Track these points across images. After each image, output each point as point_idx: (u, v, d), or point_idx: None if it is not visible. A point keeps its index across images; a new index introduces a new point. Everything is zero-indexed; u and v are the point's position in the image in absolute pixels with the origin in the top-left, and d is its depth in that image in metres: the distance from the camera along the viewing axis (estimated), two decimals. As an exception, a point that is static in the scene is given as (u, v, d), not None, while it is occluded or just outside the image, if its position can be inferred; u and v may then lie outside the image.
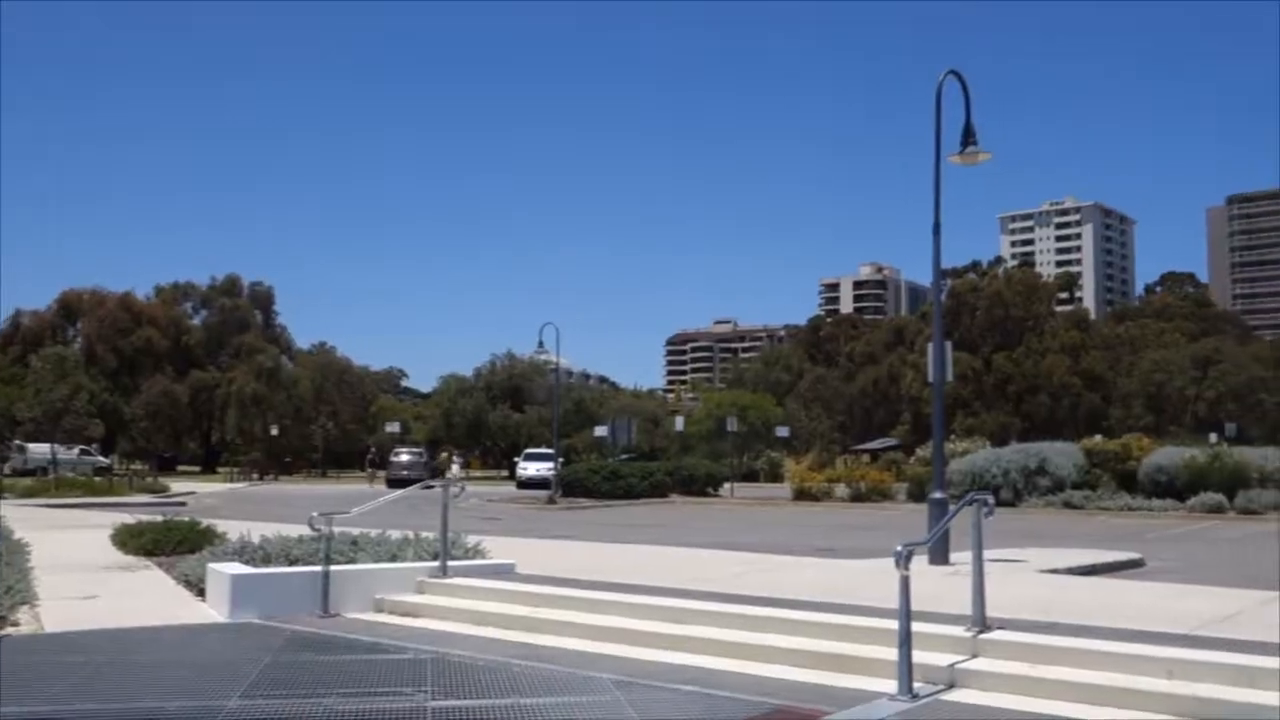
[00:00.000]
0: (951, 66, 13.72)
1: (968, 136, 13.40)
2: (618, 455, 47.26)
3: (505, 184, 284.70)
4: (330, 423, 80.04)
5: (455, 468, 55.70)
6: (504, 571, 11.86)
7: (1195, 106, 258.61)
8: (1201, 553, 18.59)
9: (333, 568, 10.86)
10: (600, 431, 51.20)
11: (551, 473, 40.60)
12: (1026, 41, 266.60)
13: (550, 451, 44.60)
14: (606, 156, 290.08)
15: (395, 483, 45.27)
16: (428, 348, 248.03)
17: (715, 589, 10.58)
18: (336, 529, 11.32)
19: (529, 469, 50.41)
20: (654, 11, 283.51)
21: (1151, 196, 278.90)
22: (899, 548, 7.13)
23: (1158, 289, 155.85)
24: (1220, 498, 28.54)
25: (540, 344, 39.29)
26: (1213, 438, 49.01)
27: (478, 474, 76.13)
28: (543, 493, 39.29)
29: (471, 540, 13.02)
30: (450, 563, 11.55)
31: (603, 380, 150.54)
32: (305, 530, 11.58)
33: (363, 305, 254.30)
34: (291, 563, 11.43)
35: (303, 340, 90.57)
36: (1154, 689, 6.87)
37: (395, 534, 12.94)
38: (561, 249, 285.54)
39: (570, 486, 39.54)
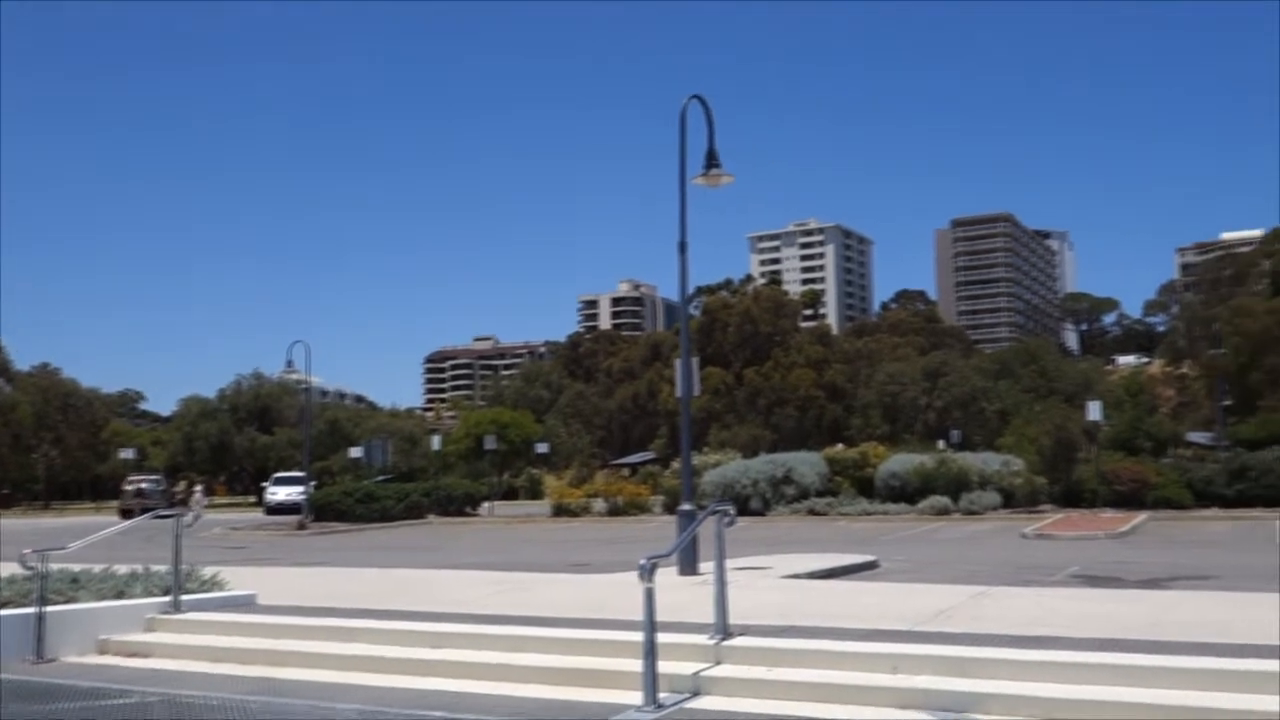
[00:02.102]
0: (697, 90, 14.19)
1: (711, 160, 13.89)
2: (374, 477, 46.00)
3: (255, 199, 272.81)
4: (54, 451, 74.13)
5: (198, 493, 52.68)
6: (244, 603, 11.31)
7: (921, 134, 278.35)
8: (929, 552, 19.91)
9: (49, 608, 10.03)
10: (355, 453, 49.75)
11: (302, 497, 39.11)
12: (772, 70, 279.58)
13: (301, 475, 42.94)
14: (359, 177, 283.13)
15: (127, 512, 42.35)
16: (168, 369, 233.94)
17: (469, 610, 10.46)
18: (56, 565, 10.47)
19: (278, 494, 48.34)
20: (393, 34, 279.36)
21: (887, 219, 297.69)
22: (642, 561, 7.26)
23: (893, 305, 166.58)
24: (946, 500, 30.70)
25: (289, 363, 37.73)
26: (940, 444, 52.71)
27: (223, 500, 72.35)
28: (293, 518, 37.75)
29: (209, 571, 12.33)
30: (184, 597, 10.90)
31: (359, 400, 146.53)
32: (16, 569, 10.64)
33: (94, 323, 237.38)
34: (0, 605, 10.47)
35: (23, 361, 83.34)
36: (882, 684, 7.28)
37: (123, 569, 12.09)
38: (314, 267, 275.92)
39: (323, 511, 38.19)
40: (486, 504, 42.29)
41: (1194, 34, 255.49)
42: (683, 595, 10.74)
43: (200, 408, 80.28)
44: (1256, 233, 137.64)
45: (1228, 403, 65.69)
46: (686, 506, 13.67)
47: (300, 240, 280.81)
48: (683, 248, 13.79)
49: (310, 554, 23.49)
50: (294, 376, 39.80)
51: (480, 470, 52.73)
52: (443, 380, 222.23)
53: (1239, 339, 74.20)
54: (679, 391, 14.12)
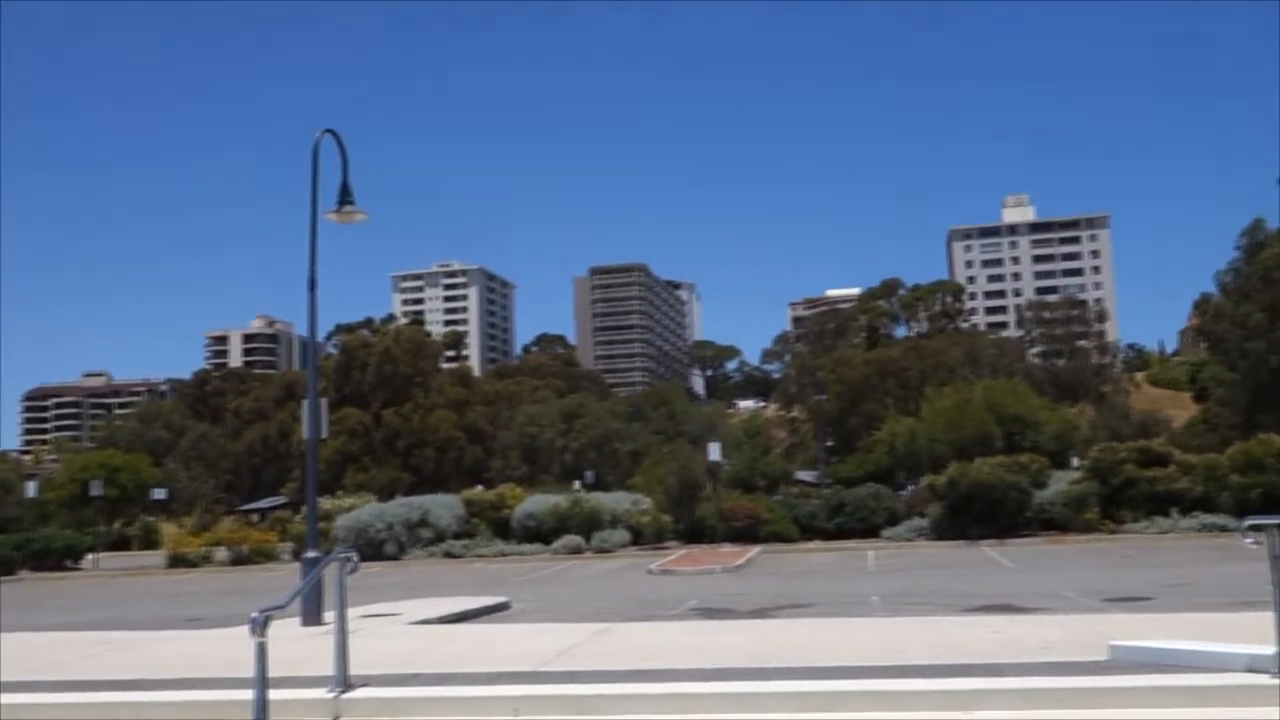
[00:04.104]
0: (335, 124, 13.84)
1: (344, 195, 13.56)
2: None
3: None
4: None
5: None
6: None
7: (564, 183, 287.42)
8: (560, 591, 20.30)
9: None
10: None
11: None
12: (423, 112, 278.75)
13: None
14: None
15: None
16: None
17: (60, 676, 9.44)
18: None
19: None
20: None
21: (530, 264, 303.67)
22: (254, 614, 6.86)
23: (534, 349, 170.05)
24: (579, 539, 31.47)
25: None
26: (576, 484, 54.15)
27: None
28: None
29: None
30: None
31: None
32: None
33: None
34: None
35: None
36: (503, 727, 7.29)
37: None
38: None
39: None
40: (91, 556, 38.53)
41: (794, 109, 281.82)
42: (304, 648, 10.28)
43: None
44: (855, 291, 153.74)
45: (830, 444, 72.19)
46: (312, 554, 13.14)
47: None
48: (312, 285, 13.34)
49: None
50: None
51: (86, 519, 48.04)
52: (45, 420, 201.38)
53: (840, 386, 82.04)
54: (305, 433, 13.58)
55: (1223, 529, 25.44)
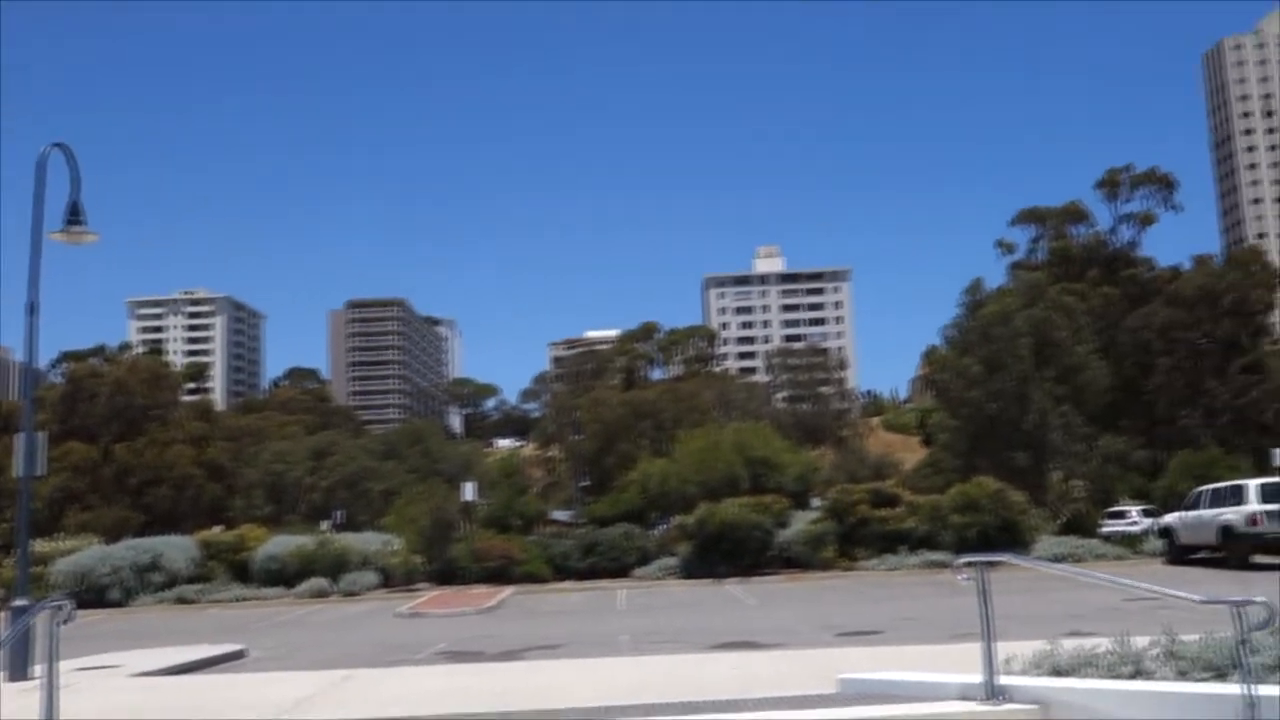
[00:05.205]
0: (67, 140, 12.92)
1: (73, 215, 12.67)
2: None
3: None
4: None
5: None
6: None
7: (321, 214, 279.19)
8: (302, 637, 19.46)
9: None
10: None
11: None
12: (170, 132, 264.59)
13: None
14: None
15: None
16: None
17: None
18: None
19: None
20: None
21: (283, 294, 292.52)
22: (-55, 670, 6.21)
23: (284, 383, 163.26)
24: (325, 582, 30.30)
25: None
26: (324, 525, 52.30)
27: None
28: None
29: None
30: None
31: None
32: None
33: None
34: None
35: None
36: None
37: None
38: None
39: None
40: None
41: (555, 155, 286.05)
42: (8, 706, 9.39)
43: None
44: (614, 333, 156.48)
45: (586, 483, 72.85)
46: (21, 602, 12.05)
47: None
48: (32, 309, 12.33)
49: None
50: None
51: None
52: None
53: (597, 426, 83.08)
54: (18, 470, 12.50)
55: (943, 565, 27.28)
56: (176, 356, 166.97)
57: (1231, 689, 6.11)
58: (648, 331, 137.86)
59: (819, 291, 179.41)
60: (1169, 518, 30.34)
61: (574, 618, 21.34)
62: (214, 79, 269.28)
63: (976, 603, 7.48)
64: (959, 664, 8.51)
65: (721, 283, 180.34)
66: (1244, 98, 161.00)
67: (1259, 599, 5.84)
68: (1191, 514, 27.95)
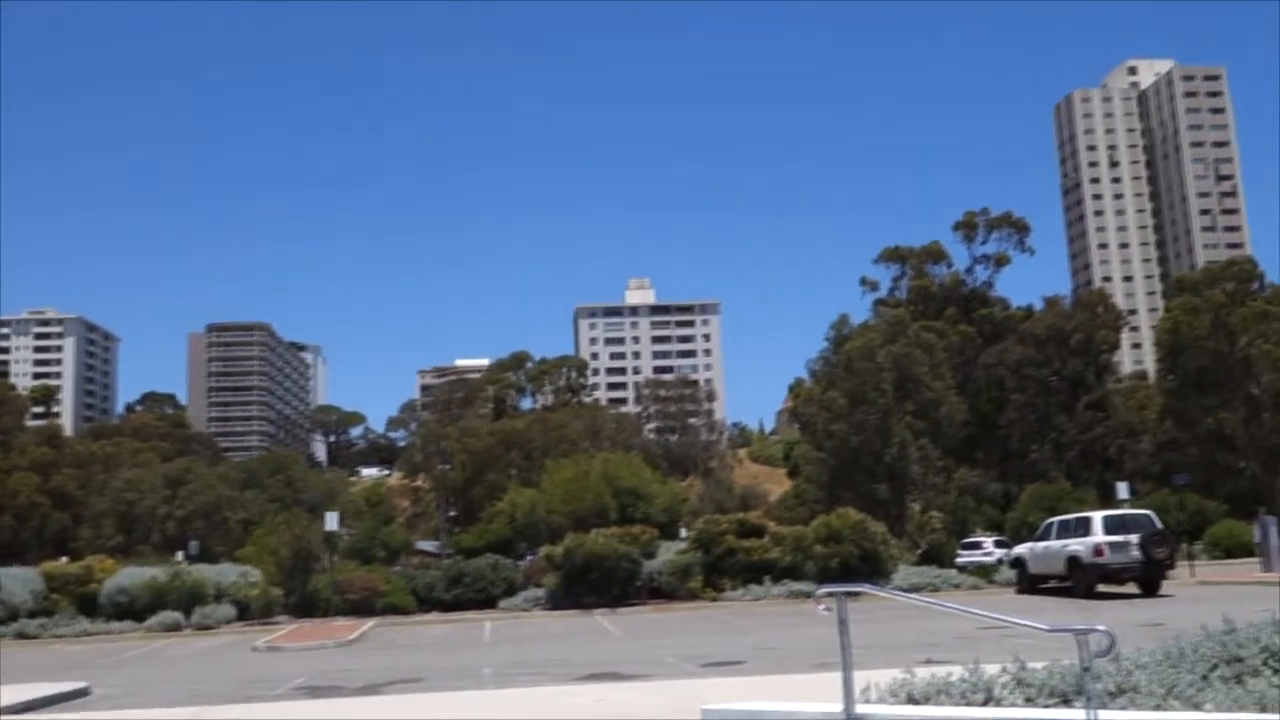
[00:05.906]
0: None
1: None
2: None
3: None
4: None
5: None
6: None
7: (181, 234, 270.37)
8: (152, 673, 18.64)
9: None
10: None
11: None
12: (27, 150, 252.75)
13: None
14: None
15: None
16: None
17: None
18: None
19: None
20: None
21: (138, 317, 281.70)
22: None
23: (139, 408, 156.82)
24: (179, 616, 29.12)
25: None
26: (179, 556, 50.27)
27: None
28: None
29: None
30: None
31: None
32: None
33: None
34: None
35: None
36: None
37: None
38: None
39: None
40: None
41: (428, 181, 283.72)
42: None
43: None
44: (484, 362, 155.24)
45: (454, 514, 71.89)
46: None
47: None
48: None
49: None
50: None
51: None
52: None
53: (466, 456, 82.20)
54: None
55: (807, 595, 27.74)
56: (22, 379, 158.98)
57: (1076, 715, 6.38)
58: (519, 361, 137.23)
59: (689, 324, 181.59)
60: (1020, 549, 31.51)
61: (438, 650, 20.97)
62: (56, 74, 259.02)
63: (837, 633, 7.64)
64: (820, 693, 8.66)
65: (593, 313, 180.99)
66: (1091, 148, 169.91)
67: (1100, 627, 6.11)
68: (1041, 545, 29.09)
